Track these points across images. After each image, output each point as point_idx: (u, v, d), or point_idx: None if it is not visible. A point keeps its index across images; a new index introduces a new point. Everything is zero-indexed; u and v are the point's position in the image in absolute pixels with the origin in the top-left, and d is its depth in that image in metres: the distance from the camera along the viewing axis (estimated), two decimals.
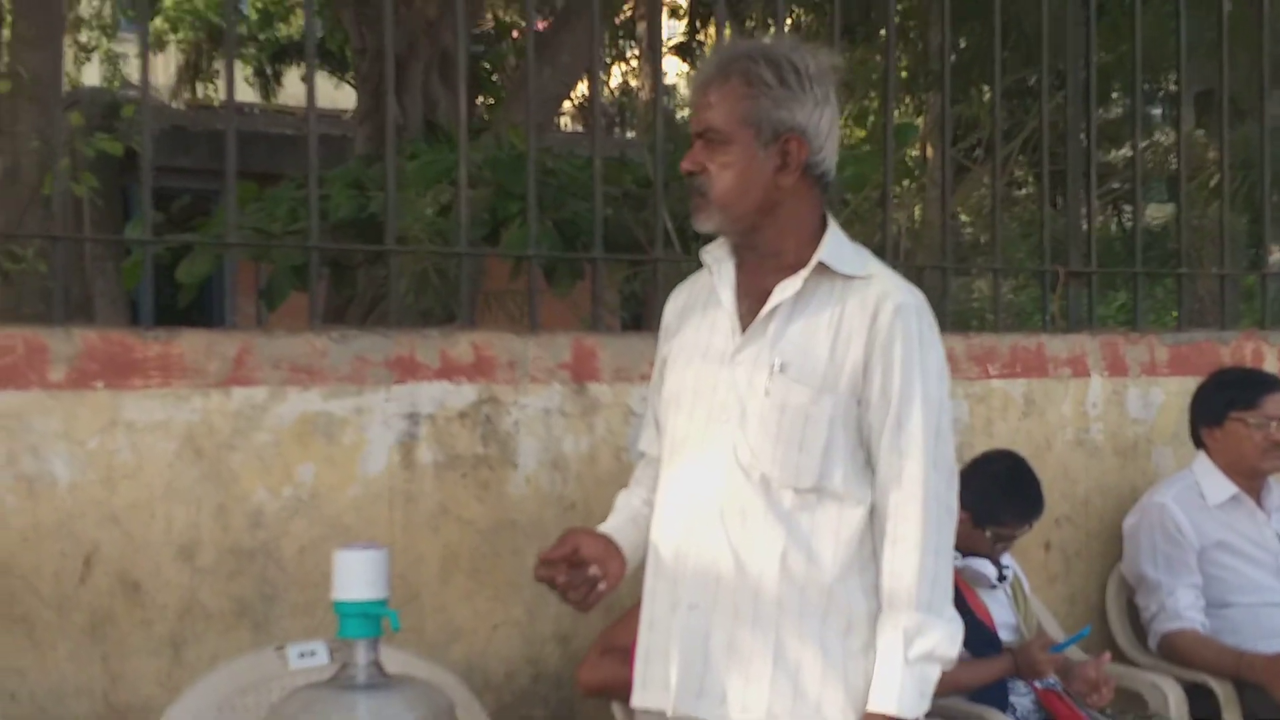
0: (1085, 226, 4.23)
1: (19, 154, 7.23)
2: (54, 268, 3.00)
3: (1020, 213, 5.97)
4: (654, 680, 2.24)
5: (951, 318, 4.28)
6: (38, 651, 2.63)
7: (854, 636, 2.15)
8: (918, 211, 6.95)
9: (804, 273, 2.17)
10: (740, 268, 2.26)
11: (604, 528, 2.35)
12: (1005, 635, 3.31)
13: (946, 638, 2.13)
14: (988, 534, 3.27)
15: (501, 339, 3.11)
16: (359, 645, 2.38)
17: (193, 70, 15.95)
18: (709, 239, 2.31)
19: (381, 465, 2.97)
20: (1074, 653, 3.50)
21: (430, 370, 3.03)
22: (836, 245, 2.21)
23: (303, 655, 2.63)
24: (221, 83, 13.28)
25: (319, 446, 2.90)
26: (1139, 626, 3.75)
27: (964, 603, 3.26)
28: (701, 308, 2.31)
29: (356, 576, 2.38)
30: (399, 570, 2.92)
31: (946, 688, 3.13)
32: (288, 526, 2.87)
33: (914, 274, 5.59)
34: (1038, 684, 3.27)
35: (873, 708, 2.11)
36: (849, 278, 2.18)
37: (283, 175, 6.94)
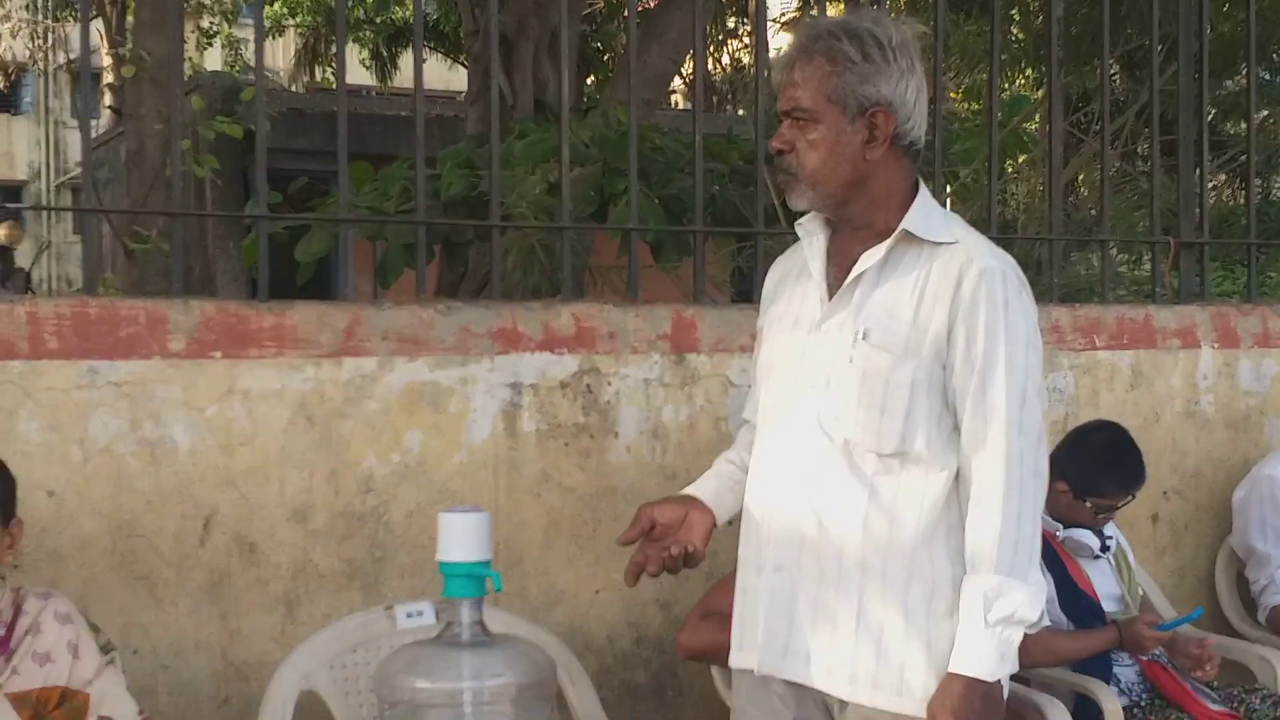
0: (1198, 197, 4.15)
1: (143, 137, 7.49)
2: (175, 245, 3.12)
3: (1137, 187, 5.85)
4: (748, 641, 2.30)
5: (1064, 290, 4.24)
6: (159, 609, 2.76)
7: (938, 600, 2.16)
8: (1036, 186, 6.85)
9: (889, 240, 2.19)
10: (833, 239, 2.29)
11: (686, 490, 2.41)
12: (1109, 606, 3.29)
13: (1028, 601, 2.12)
14: (1088, 505, 3.25)
15: (602, 310, 3.17)
16: (463, 605, 2.45)
17: (310, 54, 16.29)
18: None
19: (486, 433, 3.04)
20: (1180, 629, 3.46)
21: (532, 341, 3.10)
22: (924, 213, 2.22)
23: (410, 615, 2.73)
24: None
25: (426, 415, 2.98)
26: (1249, 600, 3.69)
27: (1066, 573, 3.26)
28: (795, 278, 2.35)
29: (460, 538, 2.45)
30: (503, 536, 3.00)
31: (1050, 657, 3.16)
32: (396, 491, 2.96)
33: (1020, 246, 5.54)
34: (1142, 657, 3.24)
35: (953, 669, 2.12)
36: (935, 244, 2.19)
37: (397, 156, 7.06)
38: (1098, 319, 3.70)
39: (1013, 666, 2.14)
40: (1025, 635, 3.14)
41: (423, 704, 2.40)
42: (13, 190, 24.90)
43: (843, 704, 2.20)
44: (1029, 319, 2.20)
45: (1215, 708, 3.16)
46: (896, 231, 2.19)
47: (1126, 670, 3.26)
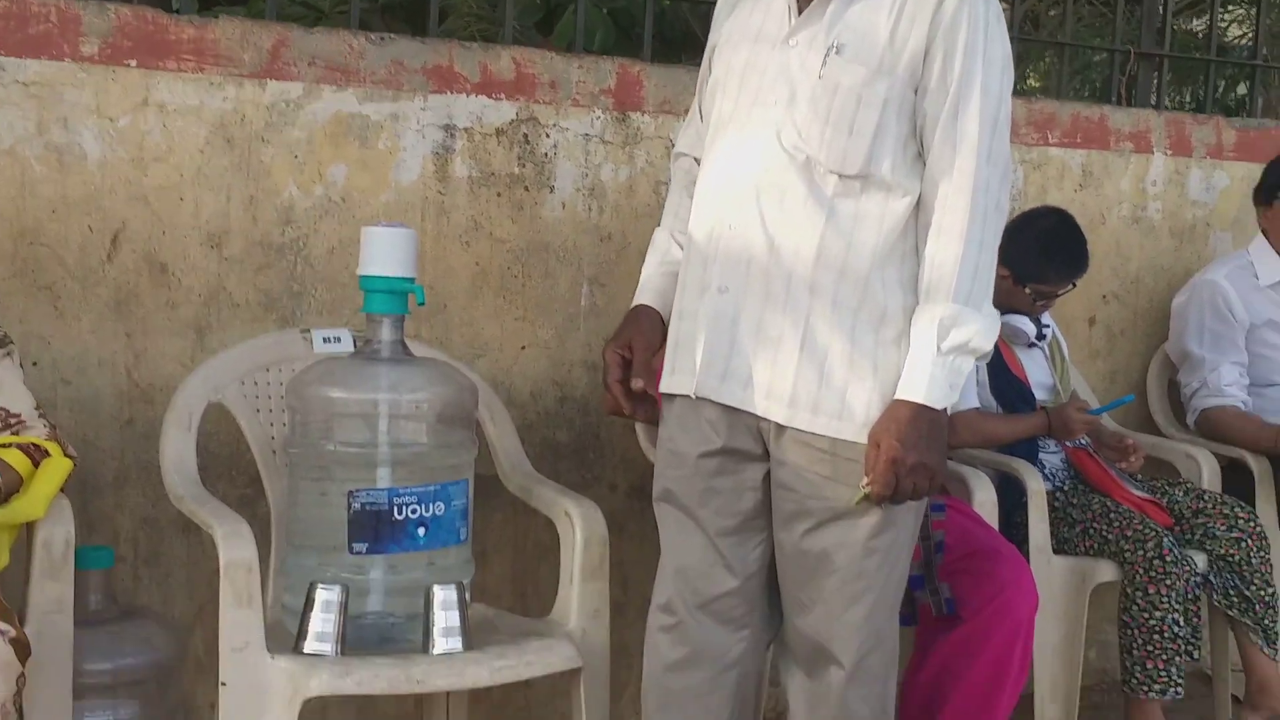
0: (1161, 11, 4.06)
1: None
2: None
3: (1095, 20, 5.74)
4: (683, 365, 2.20)
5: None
6: (62, 321, 2.63)
7: (887, 327, 2.09)
8: None
9: None
10: None
11: (640, 299, 2.32)
12: (1041, 395, 3.26)
13: (983, 330, 2.06)
14: (1028, 291, 3.19)
15: (544, 58, 3.03)
16: (384, 321, 2.36)
17: None
18: None
19: (415, 174, 2.92)
20: (1107, 422, 3.45)
21: (469, 83, 2.96)
22: None
23: (327, 340, 2.63)
24: None
25: (352, 149, 2.85)
26: (1178, 407, 3.69)
27: (999, 358, 3.22)
28: None
29: (384, 252, 2.36)
30: (428, 282, 2.90)
31: (978, 439, 3.14)
32: (318, 225, 2.83)
33: None
34: (1068, 443, 3.22)
35: (901, 395, 2.05)
36: None
37: None
38: (1053, 115, 3.61)
39: (956, 397, 2.08)
40: (955, 416, 3.15)
41: (337, 414, 2.33)
42: None
43: (779, 430, 2.12)
44: (1006, 47, 2.11)
45: (1138, 493, 3.15)
46: None
47: (1052, 457, 3.25)
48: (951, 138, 2.05)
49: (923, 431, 2.03)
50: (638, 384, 2.24)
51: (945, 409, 2.07)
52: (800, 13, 2.13)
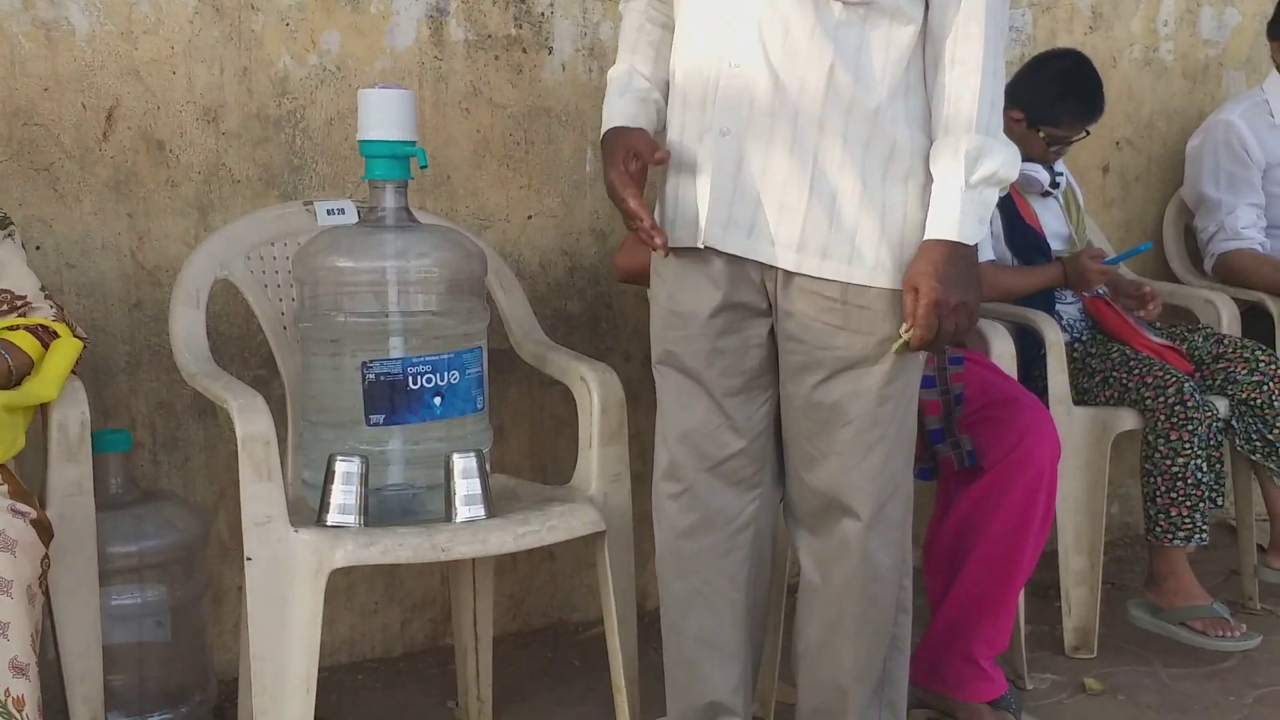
0: None
1: None
2: None
3: None
4: (683, 217, 2.11)
5: None
6: (62, 203, 2.58)
7: (896, 163, 2.02)
8: None
9: None
10: None
11: (615, 124, 2.16)
12: (1056, 245, 3.21)
13: (1008, 160, 2.00)
14: (1041, 135, 3.12)
15: None
16: (387, 188, 2.31)
17: None
18: None
19: (410, 39, 2.84)
20: (1124, 271, 3.41)
21: None
22: None
23: (331, 212, 2.57)
24: None
25: (344, 14, 2.77)
26: (1195, 253, 3.64)
27: (1014, 209, 3.17)
28: None
29: (383, 115, 2.28)
30: (430, 151, 2.84)
31: (994, 292, 3.09)
32: (314, 96, 2.76)
33: None
34: (1085, 293, 3.18)
35: (933, 235, 1.99)
36: None
37: None
38: None
39: (986, 230, 2.04)
40: None
41: (345, 284, 2.28)
42: None
43: (786, 278, 2.06)
44: None
45: (1158, 340, 3.11)
46: None
47: (1069, 308, 3.21)
48: None
49: (961, 270, 1.98)
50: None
51: (976, 245, 2.02)
52: None
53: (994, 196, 2.02)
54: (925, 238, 2.01)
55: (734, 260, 2.08)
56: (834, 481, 2.13)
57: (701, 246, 2.09)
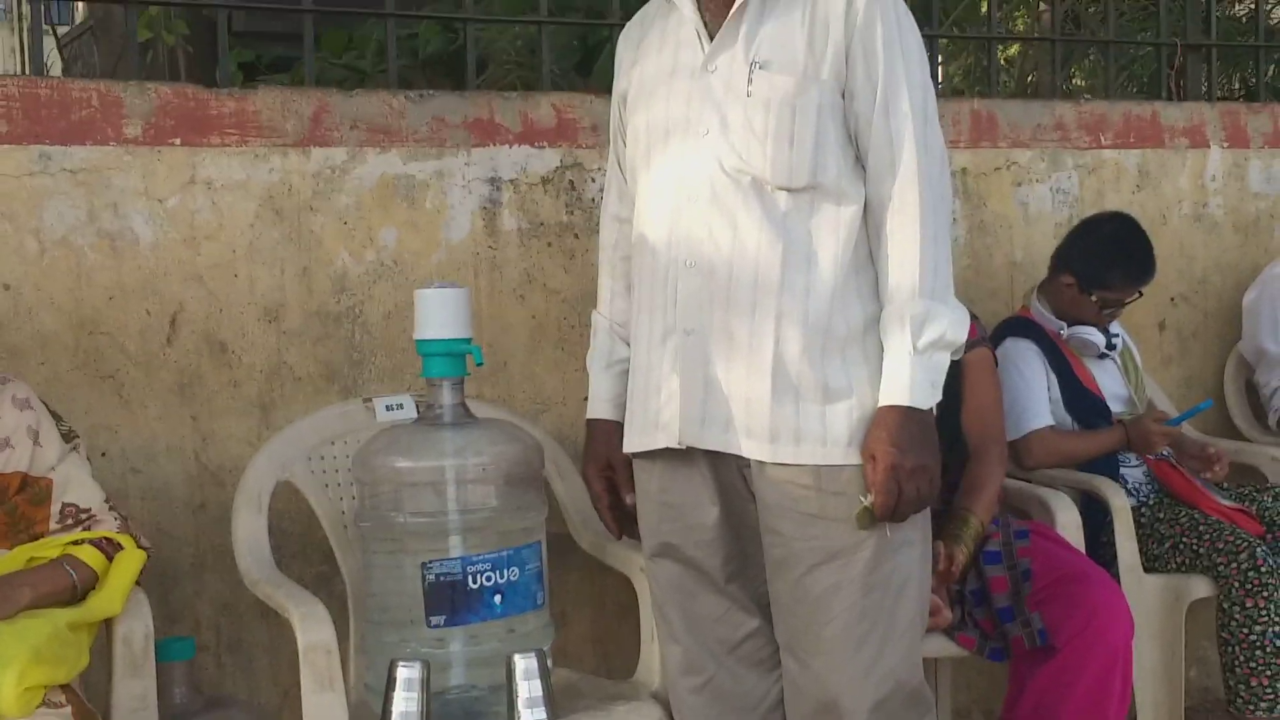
0: (1203, 1, 3.97)
1: (109, 4, 7.18)
2: (131, 27, 2.93)
3: (1136, 15, 5.63)
4: (656, 420, 2.13)
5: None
6: (127, 410, 2.63)
7: (855, 340, 2.04)
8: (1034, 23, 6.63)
9: None
10: None
11: (593, 412, 2.33)
12: (1116, 407, 3.18)
13: (955, 323, 2.02)
14: (1094, 299, 3.12)
15: (584, 101, 3.00)
16: (444, 385, 2.34)
17: None
18: None
19: (465, 231, 2.90)
20: (1187, 431, 3.36)
21: (511, 134, 2.94)
22: None
23: (390, 408, 2.61)
24: None
25: (400, 210, 2.84)
26: (1258, 408, 3.59)
27: (1071, 372, 3.15)
28: (660, 32, 2.19)
29: (438, 314, 2.33)
30: (486, 339, 2.88)
31: (1055, 458, 3.06)
32: (372, 291, 2.82)
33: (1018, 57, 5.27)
34: (1150, 456, 3.14)
35: (885, 402, 2.00)
36: None
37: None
38: (1104, 115, 3.54)
39: (939, 395, 2.02)
40: (1029, 436, 3.07)
41: (404, 484, 2.30)
42: None
43: (760, 467, 2.06)
44: (918, 37, 2.09)
45: (1227, 503, 3.06)
46: None
47: (1134, 471, 3.16)
48: (886, 135, 2.02)
49: (915, 434, 1.98)
50: (631, 499, 2.26)
51: (932, 409, 2.01)
52: (712, 39, 2.09)
53: (944, 360, 2.03)
54: (879, 405, 2.01)
55: (716, 453, 2.10)
56: (824, 682, 2.07)
57: (681, 447, 2.11)
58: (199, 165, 2.67)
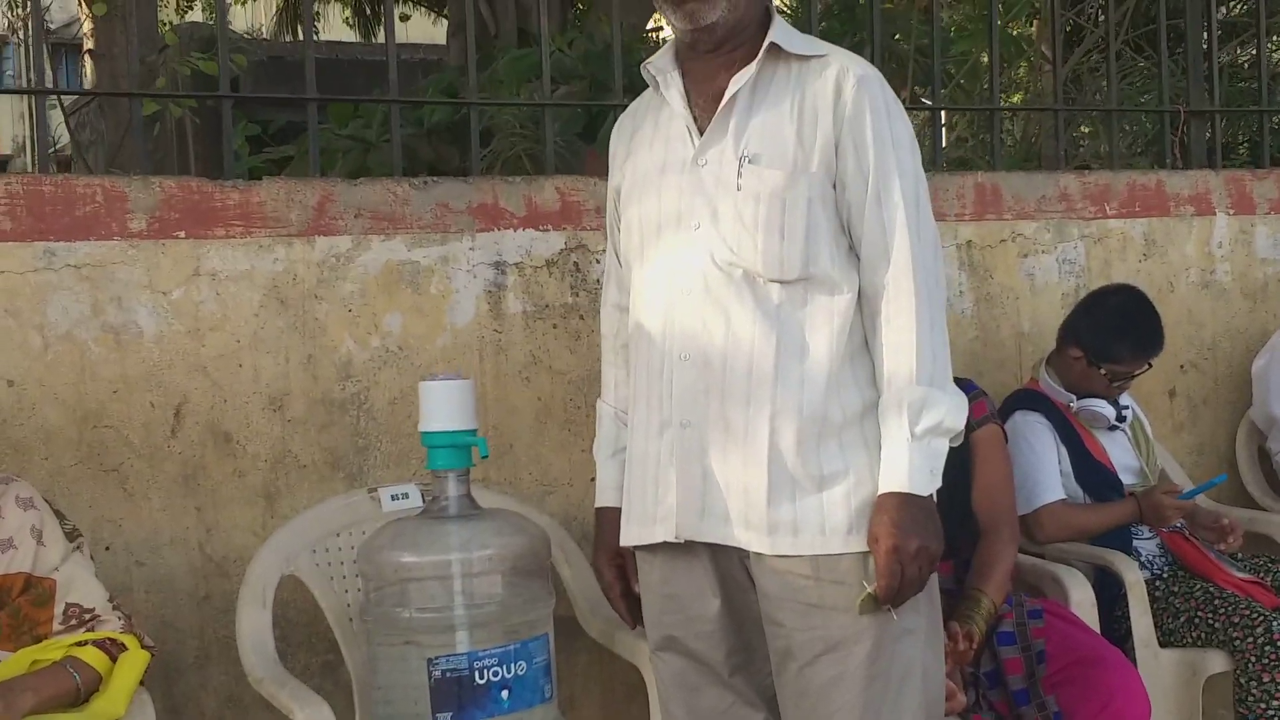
0: (1206, 65, 3.99)
1: (117, 76, 7.27)
2: (135, 123, 2.96)
3: (1142, 72, 5.64)
4: (653, 513, 2.12)
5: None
6: (131, 503, 2.62)
7: (853, 427, 2.03)
8: (1034, 86, 6.66)
9: (757, 58, 2.07)
10: (687, 75, 2.15)
11: (601, 501, 2.33)
12: (1127, 479, 3.16)
13: (953, 410, 2.00)
14: (1103, 372, 3.11)
15: (587, 184, 3.01)
16: (449, 477, 2.33)
17: (292, 12, 16.11)
18: None
19: (470, 315, 2.90)
20: (1201, 501, 3.33)
21: (515, 218, 2.95)
22: (784, 30, 2.10)
23: (395, 498, 2.60)
24: (322, 21, 13.31)
25: (405, 296, 2.84)
26: (1271, 475, 3.56)
27: (1081, 445, 3.13)
28: (652, 126, 2.20)
29: (442, 406, 2.33)
30: (492, 422, 2.87)
31: (1067, 532, 3.04)
32: (377, 377, 2.81)
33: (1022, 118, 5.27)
34: (1163, 529, 3.11)
35: (885, 489, 1.99)
36: (804, 58, 2.08)
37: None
38: (1108, 186, 3.54)
39: (939, 481, 2.00)
40: (1041, 510, 3.05)
41: (409, 579, 2.28)
42: None
43: (758, 558, 2.05)
44: (908, 125, 2.10)
45: (1241, 575, 3.02)
46: (764, 47, 2.06)
47: (1147, 543, 3.13)
48: (880, 223, 2.02)
49: (917, 517, 1.96)
50: (638, 588, 2.25)
51: (931, 495, 2.00)
52: (702, 133, 2.10)
53: (943, 446, 2.01)
54: (879, 492, 2.00)
55: (717, 544, 2.09)
56: None
57: (680, 540, 2.10)
58: (203, 257, 2.67)
